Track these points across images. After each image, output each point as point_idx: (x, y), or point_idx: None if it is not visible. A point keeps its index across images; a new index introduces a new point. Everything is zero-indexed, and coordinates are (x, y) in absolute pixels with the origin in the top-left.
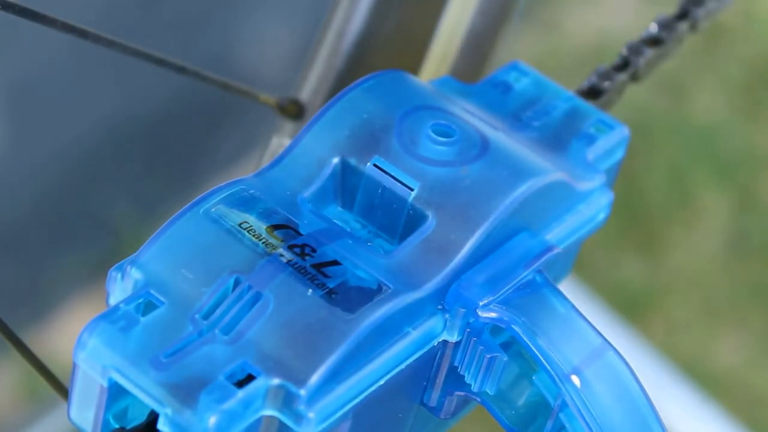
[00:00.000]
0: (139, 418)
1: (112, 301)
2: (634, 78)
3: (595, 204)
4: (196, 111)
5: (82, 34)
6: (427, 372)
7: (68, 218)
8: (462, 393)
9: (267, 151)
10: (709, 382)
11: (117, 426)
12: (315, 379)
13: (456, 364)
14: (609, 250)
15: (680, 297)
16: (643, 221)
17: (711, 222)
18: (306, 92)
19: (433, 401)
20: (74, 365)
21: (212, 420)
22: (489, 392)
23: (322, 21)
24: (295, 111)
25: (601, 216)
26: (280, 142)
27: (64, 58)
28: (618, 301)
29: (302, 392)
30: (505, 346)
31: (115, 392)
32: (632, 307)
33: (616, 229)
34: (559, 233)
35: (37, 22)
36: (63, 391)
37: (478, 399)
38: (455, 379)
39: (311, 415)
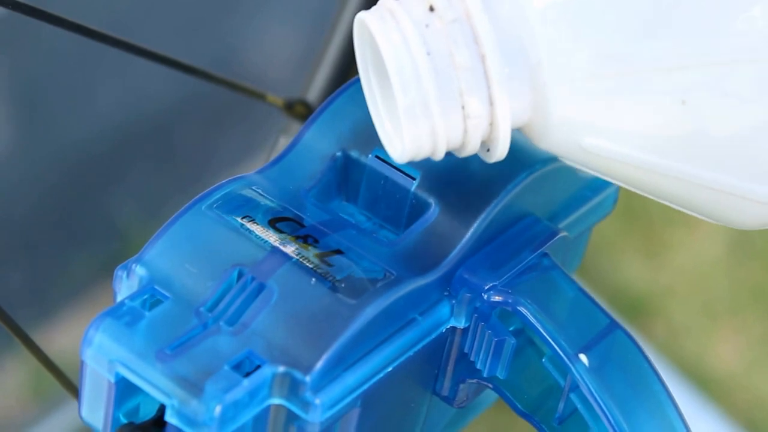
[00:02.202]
0: (150, 416)
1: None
2: None
3: (602, 190)
4: (203, 111)
5: (89, 33)
6: (438, 360)
7: (75, 218)
8: (473, 380)
9: (274, 151)
10: (710, 384)
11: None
12: (320, 365)
13: (466, 350)
14: (610, 252)
15: (681, 300)
16: (644, 224)
17: (712, 225)
18: (313, 93)
19: (445, 390)
20: (82, 363)
21: (218, 409)
22: (500, 377)
23: (330, 22)
24: (302, 111)
25: (609, 202)
26: (287, 142)
27: (70, 57)
28: (619, 304)
29: (308, 379)
30: (515, 331)
31: (125, 389)
32: (633, 310)
33: (617, 231)
34: (567, 219)
35: (45, 22)
36: (73, 389)
37: (490, 385)
38: (466, 366)
39: (317, 401)
